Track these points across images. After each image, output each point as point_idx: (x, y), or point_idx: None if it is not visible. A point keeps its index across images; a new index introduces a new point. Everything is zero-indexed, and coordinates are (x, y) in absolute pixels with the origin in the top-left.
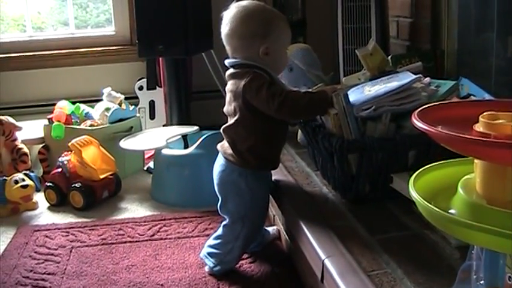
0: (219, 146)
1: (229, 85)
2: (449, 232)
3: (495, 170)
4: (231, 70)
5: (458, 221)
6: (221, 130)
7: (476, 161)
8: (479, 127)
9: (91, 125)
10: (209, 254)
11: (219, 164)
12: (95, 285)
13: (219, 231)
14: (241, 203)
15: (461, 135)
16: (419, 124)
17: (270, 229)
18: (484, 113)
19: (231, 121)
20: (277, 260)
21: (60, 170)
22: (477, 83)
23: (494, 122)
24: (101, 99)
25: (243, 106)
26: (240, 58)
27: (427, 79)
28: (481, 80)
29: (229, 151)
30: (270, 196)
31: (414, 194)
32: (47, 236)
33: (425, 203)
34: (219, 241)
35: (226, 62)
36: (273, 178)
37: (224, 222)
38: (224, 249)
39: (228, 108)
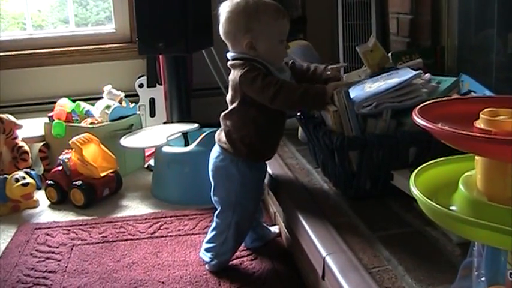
0: (216, 134)
1: (230, 74)
2: (450, 229)
3: (496, 166)
4: (231, 61)
5: (459, 217)
6: (221, 116)
7: (477, 157)
8: (480, 124)
9: (91, 123)
10: (206, 249)
11: (214, 150)
12: (96, 283)
13: (213, 223)
14: (231, 188)
15: (461, 131)
16: (420, 121)
17: (272, 228)
18: (485, 110)
19: (228, 109)
20: (278, 257)
21: (60, 168)
22: (478, 79)
23: (495, 118)
24: (101, 97)
25: (239, 96)
26: (236, 53)
27: (428, 75)
28: (481, 76)
29: (223, 138)
30: (271, 193)
31: (415, 191)
32: (47, 234)
33: (426, 199)
34: (213, 233)
35: (228, 54)
36: (274, 175)
37: (216, 212)
38: (219, 240)
39: (228, 96)
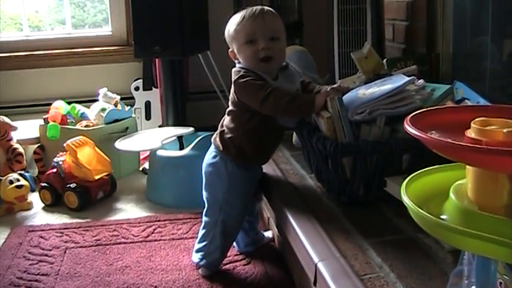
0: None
1: None
2: (441, 238)
3: (486, 176)
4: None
5: (450, 227)
6: None
7: (468, 166)
8: (471, 133)
9: (86, 126)
10: (196, 250)
11: (210, 148)
12: (89, 286)
13: (202, 222)
14: (219, 186)
15: (451, 141)
16: (411, 130)
17: (265, 233)
18: (476, 119)
19: (227, 109)
20: (271, 262)
21: (55, 170)
22: (472, 86)
23: (485, 128)
24: (97, 100)
25: (233, 100)
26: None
27: (421, 81)
28: (475, 83)
29: (217, 137)
30: (264, 198)
31: (406, 200)
32: (41, 237)
33: (417, 208)
34: (202, 232)
35: None
36: (267, 180)
37: (204, 210)
38: (207, 239)
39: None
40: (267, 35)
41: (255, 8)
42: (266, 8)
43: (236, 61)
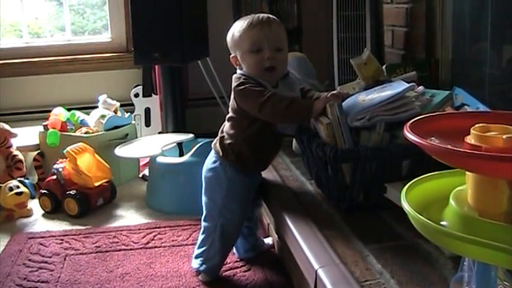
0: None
1: None
2: (441, 244)
3: (486, 182)
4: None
5: (450, 233)
6: None
7: (467, 172)
8: (470, 139)
9: (86, 132)
10: (196, 256)
11: (210, 154)
12: None
13: (201, 228)
14: (218, 191)
15: (451, 148)
16: (411, 136)
17: (266, 240)
18: (476, 125)
19: (227, 115)
20: (272, 269)
21: (55, 177)
22: (471, 92)
23: (485, 134)
24: (97, 106)
25: (233, 107)
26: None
27: (421, 88)
28: (475, 89)
29: (217, 143)
30: (264, 204)
31: (406, 206)
32: (41, 244)
33: (417, 214)
34: (202, 237)
35: None
36: (267, 186)
37: (203, 215)
38: (207, 244)
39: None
40: (272, 44)
41: (261, 15)
42: (272, 16)
43: (237, 67)
